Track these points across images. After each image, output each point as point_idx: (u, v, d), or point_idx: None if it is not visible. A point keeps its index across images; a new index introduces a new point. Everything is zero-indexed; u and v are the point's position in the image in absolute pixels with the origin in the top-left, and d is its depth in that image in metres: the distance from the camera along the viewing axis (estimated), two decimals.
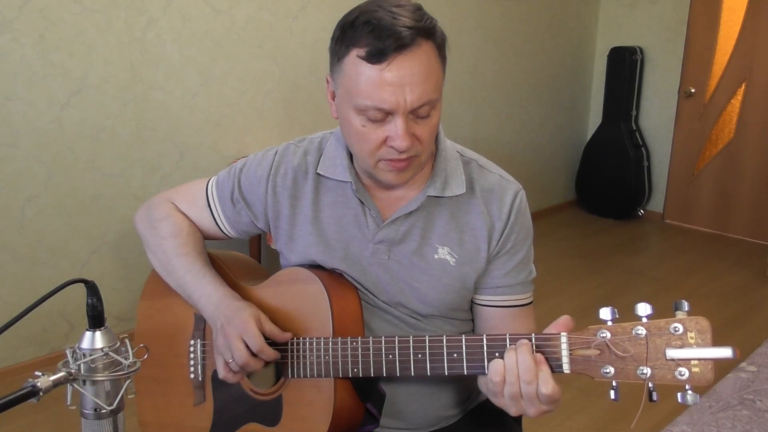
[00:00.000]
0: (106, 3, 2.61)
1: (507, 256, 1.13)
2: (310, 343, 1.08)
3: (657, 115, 4.80)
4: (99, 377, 0.79)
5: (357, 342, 1.04)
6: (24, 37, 2.44)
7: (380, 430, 1.16)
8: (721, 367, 2.57)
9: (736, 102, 4.45)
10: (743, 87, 4.40)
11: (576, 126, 5.10)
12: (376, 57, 0.94)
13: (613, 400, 0.89)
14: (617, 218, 4.88)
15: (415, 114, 0.98)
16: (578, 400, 2.50)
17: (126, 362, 0.80)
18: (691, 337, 0.85)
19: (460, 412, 1.23)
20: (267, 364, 1.09)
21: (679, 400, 0.85)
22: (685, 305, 0.87)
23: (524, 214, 1.15)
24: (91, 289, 0.82)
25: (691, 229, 4.74)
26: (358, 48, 0.95)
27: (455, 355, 0.97)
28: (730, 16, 4.37)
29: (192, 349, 1.22)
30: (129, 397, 0.83)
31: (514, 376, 0.90)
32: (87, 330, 0.81)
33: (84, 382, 0.79)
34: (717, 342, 0.84)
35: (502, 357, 0.93)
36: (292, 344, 1.10)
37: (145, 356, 0.84)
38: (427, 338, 0.99)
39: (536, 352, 0.91)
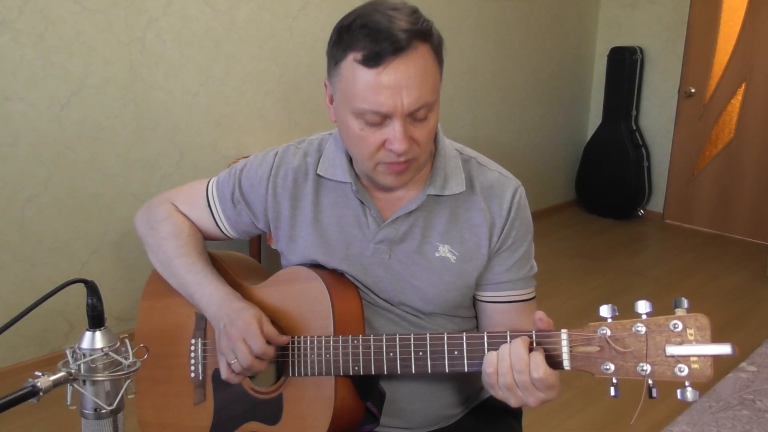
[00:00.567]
0: (106, 3, 2.61)
1: (508, 252, 1.13)
2: (311, 342, 1.08)
3: (657, 115, 4.80)
4: (99, 377, 0.79)
5: (358, 340, 1.05)
6: (24, 37, 2.44)
7: (380, 429, 1.17)
8: (721, 367, 2.57)
9: (736, 102, 4.45)
10: (743, 87, 4.40)
11: (576, 126, 5.10)
12: (372, 60, 0.94)
13: (613, 396, 0.89)
14: (617, 218, 4.87)
15: (412, 117, 0.99)
16: (578, 400, 2.50)
17: (126, 362, 0.80)
18: (691, 334, 0.85)
19: (460, 412, 1.23)
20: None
21: (679, 397, 0.86)
22: (685, 302, 0.87)
23: (524, 210, 1.15)
24: (91, 289, 0.82)
25: (691, 229, 4.73)
26: (355, 52, 0.95)
27: (456, 352, 0.98)
28: (730, 16, 4.37)
29: (193, 348, 1.22)
30: (129, 397, 0.83)
31: (506, 367, 0.91)
32: (87, 330, 0.81)
33: (84, 382, 0.79)
34: (716, 342, 0.84)
35: None
36: (292, 342, 1.10)
37: (145, 356, 0.84)
38: (428, 336, 1.00)
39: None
